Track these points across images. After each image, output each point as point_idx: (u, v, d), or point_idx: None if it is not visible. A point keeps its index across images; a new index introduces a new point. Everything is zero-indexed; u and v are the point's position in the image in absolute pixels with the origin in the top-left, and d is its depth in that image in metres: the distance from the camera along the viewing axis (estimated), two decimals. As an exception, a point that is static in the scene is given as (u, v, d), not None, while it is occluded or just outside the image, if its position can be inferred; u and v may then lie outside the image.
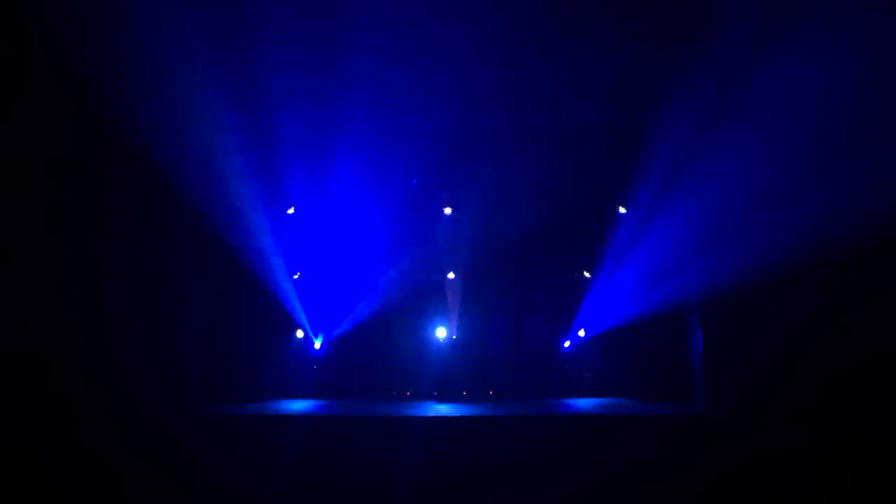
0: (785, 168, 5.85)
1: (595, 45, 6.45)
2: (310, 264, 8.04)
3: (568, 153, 7.86)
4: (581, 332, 8.03)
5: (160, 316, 6.42)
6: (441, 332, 8.09)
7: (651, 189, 7.15)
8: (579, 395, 7.84)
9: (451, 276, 8.23)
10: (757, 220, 6.13)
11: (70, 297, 5.88)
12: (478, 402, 7.38)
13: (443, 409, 6.57)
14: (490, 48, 6.47)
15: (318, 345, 8.08)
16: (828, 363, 6.02)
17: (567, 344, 8.13)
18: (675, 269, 6.93)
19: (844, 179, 5.55)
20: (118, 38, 5.29)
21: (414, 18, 6.11)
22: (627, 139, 7.32)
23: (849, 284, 6.14)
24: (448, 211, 8.27)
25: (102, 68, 5.34)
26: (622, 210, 7.75)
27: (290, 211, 7.93)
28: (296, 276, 8.02)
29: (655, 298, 7.23)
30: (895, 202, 5.47)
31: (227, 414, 6.13)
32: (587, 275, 8.07)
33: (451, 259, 8.23)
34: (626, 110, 7.09)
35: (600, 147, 7.52)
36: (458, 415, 6.11)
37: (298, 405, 7.00)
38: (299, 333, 7.98)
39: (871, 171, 5.44)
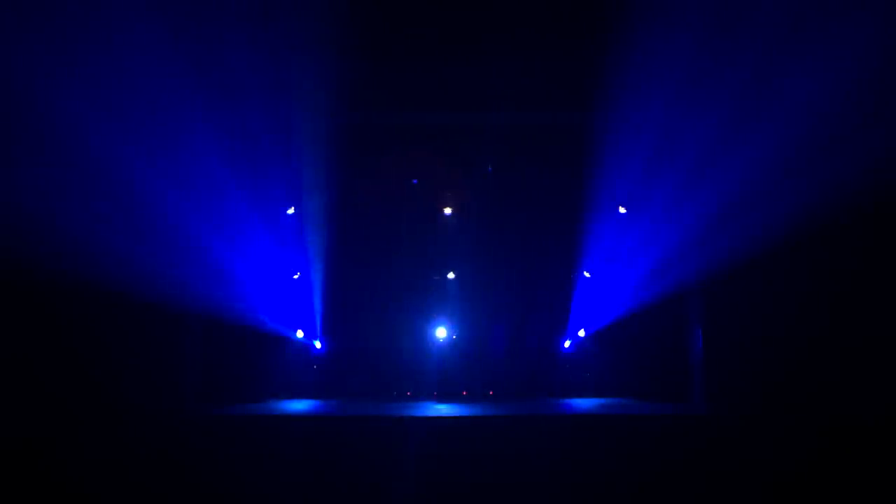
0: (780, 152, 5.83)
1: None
2: (310, 264, 8.05)
3: (563, 152, 7.90)
4: (581, 332, 8.03)
5: (160, 315, 6.41)
6: (441, 332, 8.09)
7: (646, 182, 7.16)
8: (579, 395, 7.85)
9: (451, 276, 8.23)
10: (755, 208, 6.11)
11: (69, 296, 5.89)
12: (478, 402, 7.38)
13: (443, 409, 6.57)
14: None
15: (318, 344, 8.08)
16: (830, 361, 6.00)
17: (567, 344, 8.13)
18: (673, 260, 6.94)
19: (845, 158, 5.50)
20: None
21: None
22: (617, 135, 7.33)
23: (854, 278, 6.10)
24: (448, 211, 8.28)
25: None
26: (622, 210, 7.75)
27: (291, 211, 7.94)
28: (296, 276, 8.02)
29: (654, 291, 7.23)
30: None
31: (227, 414, 6.13)
32: (587, 274, 8.08)
33: (452, 259, 8.24)
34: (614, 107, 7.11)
35: (593, 144, 7.54)
36: (458, 415, 6.11)
37: (298, 405, 7.00)
38: (299, 333, 7.98)
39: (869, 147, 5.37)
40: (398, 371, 8.02)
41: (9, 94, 4.94)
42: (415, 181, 8.29)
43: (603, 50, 6.54)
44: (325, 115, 7.49)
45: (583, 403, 7.10)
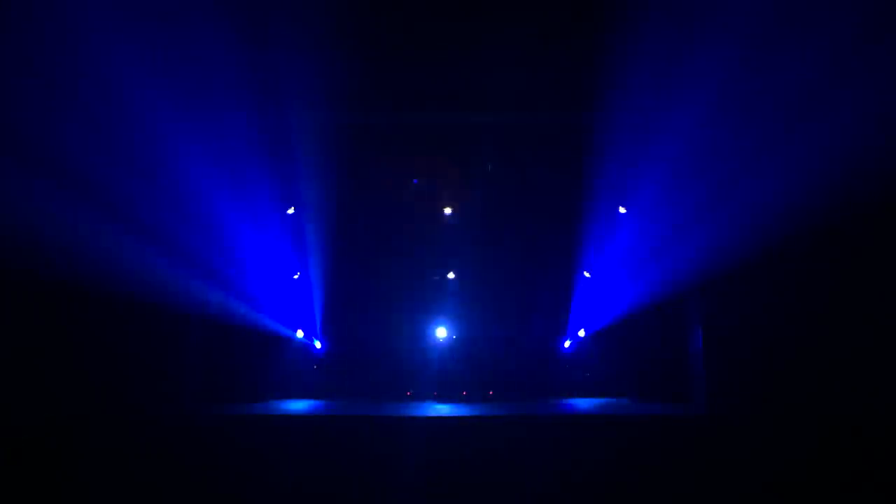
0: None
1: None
2: (310, 264, 8.05)
3: (563, 152, 7.90)
4: (581, 332, 8.03)
5: (161, 315, 6.42)
6: (441, 332, 8.09)
7: (646, 182, 7.16)
8: (579, 395, 7.84)
9: (451, 275, 8.23)
10: (755, 208, 6.10)
11: (70, 297, 5.89)
12: (478, 402, 7.38)
13: (443, 409, 6.57)
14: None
15: (318, 344, 8.08)
16: (830, 361, 6.00)
17: (567, 344, 8.13)
18: (673, 261, 6.94)
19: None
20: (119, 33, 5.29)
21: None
22: (617, 135, 7.33)
23: (855, 278, 6.09)
24: (448, 211, 8.28)
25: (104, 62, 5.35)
26: (622, 210, 7.75)
27: (291, 211, 7.94)
28: (296, 276, 8.02)
29: (654, 291, 7.24)
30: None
31: (227, 414, 6.13)
32: (587, 274, 8.08)
33: (452, 259, 8.24)
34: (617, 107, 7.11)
35: (593, 144, 7.54)
36: (458, 415, 6.11)
37: (299, 405, 7.00)
38: (299, 333, 7.98)
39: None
40: (398, 371, 8.02)
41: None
42: (415, 181, 8.30)
43: (603, 50, 6.54)
44: (325, 115, 7.49)
45: (583, 403, 7.10)
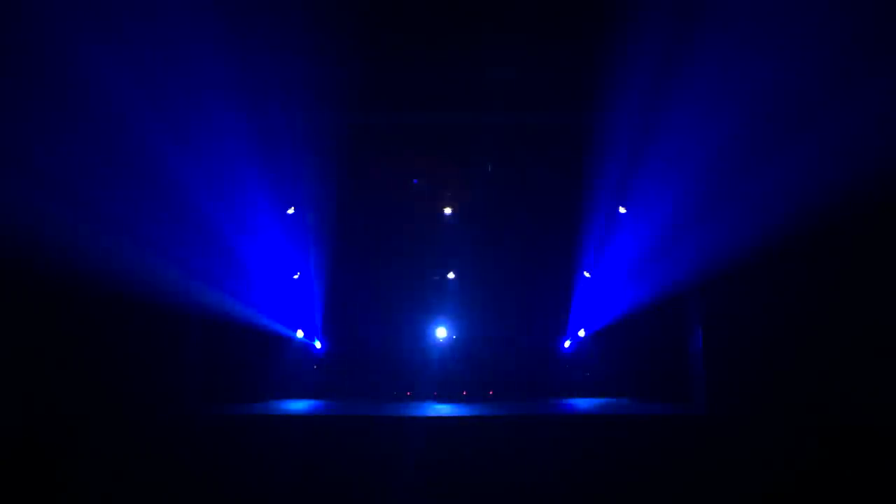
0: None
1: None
2: (310, 264, 8.05)
3: (563, 152, 7.90)
4: (581, 332, 8.04)
5: (161, 315, 6.42)
6: (441, 332, 8.09)
7: (646, 182, 7.16)
8: (579, 395, 7.84)
9: (451, 275, 8.24)
10: (756, 208, 6.10)
11: (71, 297, 5.89)
12: (478, 402, 7.38)
13: (443, 409, 6.57)
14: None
15: (318, 344, 8.08)
16: (830, 362, 6.00)
17: (567, 344, 8.13)
18: (673, 260, 6.94)
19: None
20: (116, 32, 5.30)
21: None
22: (617, 135, 7.34)
23: (855, 278, 6.09)
24: (448, 211, 8.28)
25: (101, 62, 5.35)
26: (622, 210, 7.75)
27: (291, 211, 7.94)
28: (296, 276, 8.02)
29: (654, 291, 7.24)
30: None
31: (227, 414, 6.13)
32: (587, 274, 8.08)
33: (452, 259, 8.24)
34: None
35: (593, 144, 7.54)
36: (458, 415, 6.11)
37: (299, 405, 7.00)
38: (299, 333, 7.98)
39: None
40: (398, 371, 8.02)
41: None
42: (415, 181, 8.30)
43: (603, 50, 6.54)
44: (325, 115, 7.49)
45: (583, 403, 7.10)
